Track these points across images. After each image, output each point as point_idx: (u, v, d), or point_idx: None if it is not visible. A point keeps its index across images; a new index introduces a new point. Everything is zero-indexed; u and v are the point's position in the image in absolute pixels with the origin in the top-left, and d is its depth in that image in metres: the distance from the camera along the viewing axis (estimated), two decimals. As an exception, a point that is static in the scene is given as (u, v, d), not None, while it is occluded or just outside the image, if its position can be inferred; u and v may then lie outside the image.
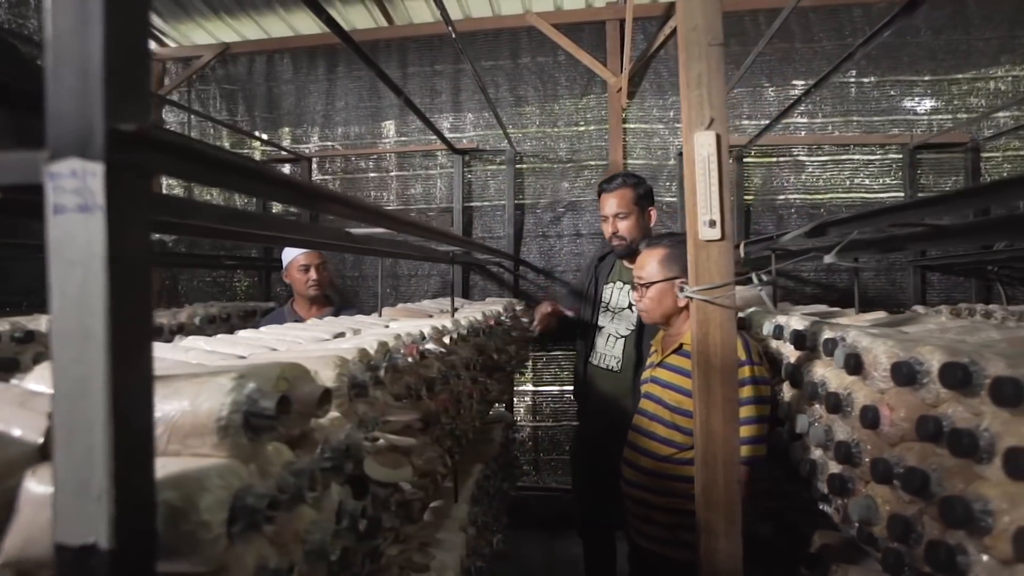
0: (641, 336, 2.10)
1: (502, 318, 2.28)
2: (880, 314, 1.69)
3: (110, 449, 0.43)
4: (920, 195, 3.16)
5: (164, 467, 0.50)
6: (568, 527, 3.23)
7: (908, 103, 3.23)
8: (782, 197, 3.30)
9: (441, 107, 3.57)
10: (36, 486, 0.49)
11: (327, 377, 0.80)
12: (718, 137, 1.14)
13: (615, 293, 2.24)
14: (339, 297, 3.49)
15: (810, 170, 3.30)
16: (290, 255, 2.25)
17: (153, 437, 0.46)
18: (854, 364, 1.03)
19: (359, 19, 3.52)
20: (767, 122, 2.77)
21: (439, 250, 1.91)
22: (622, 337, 2.18)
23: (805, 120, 3.31)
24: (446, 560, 1.53)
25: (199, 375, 0.57)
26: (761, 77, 3.33)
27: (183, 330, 2.19)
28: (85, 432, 0.43)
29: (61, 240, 0.43)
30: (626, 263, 2.21)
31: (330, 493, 0.73)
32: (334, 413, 0.80)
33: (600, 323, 2.27)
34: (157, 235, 2.51)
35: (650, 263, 1.59)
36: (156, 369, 0.46)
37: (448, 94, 3.57)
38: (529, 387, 3.49)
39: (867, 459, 1.00)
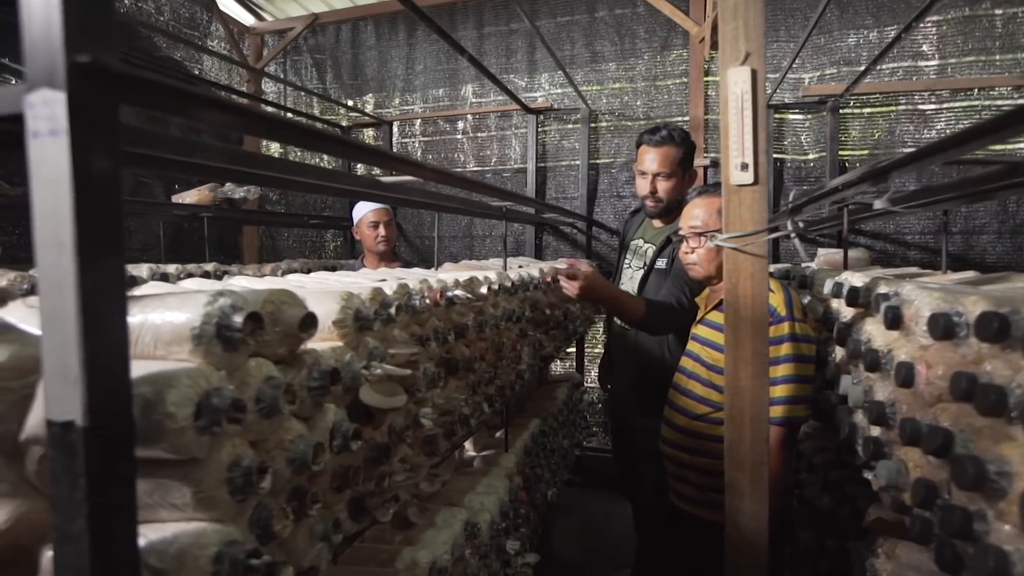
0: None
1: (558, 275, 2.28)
2: (970, 274, 1.51)
3: (81, 340, 0.50)
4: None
5: (146, 367, 0.58)
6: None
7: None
8: (894, 152, 2.96)
9: (517, 67, 3.55)
10: (48, 377, 0.59)
11: (331, 309, 0.86)
12: (754, 73, 1.06)
13: (638, 249, 2.15)
14: (416, 256, 3.64)
15: (931, 121, 2.91)
16: (360, 212, 2.37)
17: (125, 334, 0.52)
18: (893, 318, 0.94)
19: (436, -19, 3.55)
20: (876, 69, 2.48)
21: (492, 205, 1.93)
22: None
23: (931, 63, 2.89)
24: (486, 502, 1.60)
25: (187, 292, 0.64)
26: (867, 16, 2.97)
27: (268, 282, 2.40)
28: (62, 326, 0.50)
29: (38, 161, 0.50)
30: (656, 222, 2.09)
31: (325, 413, 0.79)
32: (336, 342, 0.86)
33: (622, 279, 2.20)
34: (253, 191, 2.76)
35: (707, 212, 1.49)
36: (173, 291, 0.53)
37: (524, 53, 3.54)
38: (601, 350, 3.47)
39: (900, 420, 0.91)
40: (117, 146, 0.53)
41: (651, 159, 1.98)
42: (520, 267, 2.14)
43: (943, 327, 0.81)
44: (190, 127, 2.84)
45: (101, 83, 0.51)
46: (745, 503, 1.13)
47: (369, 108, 3.79)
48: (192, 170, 0.81)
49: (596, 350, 3.50)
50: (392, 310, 0.98)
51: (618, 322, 2.21)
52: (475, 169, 3.64)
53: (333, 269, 2.93)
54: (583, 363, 3.44)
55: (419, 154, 3.74)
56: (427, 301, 1.12)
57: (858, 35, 2.99)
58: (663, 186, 1.99)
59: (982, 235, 2.86)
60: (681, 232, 1.53)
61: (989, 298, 0.79)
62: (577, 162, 3.42)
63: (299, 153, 3.54)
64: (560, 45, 3.41)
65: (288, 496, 0.73)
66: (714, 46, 3.17)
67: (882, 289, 1.14)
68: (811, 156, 3.07)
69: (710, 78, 3.19)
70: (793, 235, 1.03)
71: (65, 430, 0.51)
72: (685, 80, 3.26)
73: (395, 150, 3.78)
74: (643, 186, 2.03)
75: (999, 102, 2.82)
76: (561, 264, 1.85)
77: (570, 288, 1.79)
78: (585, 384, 3.40)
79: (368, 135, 3.87)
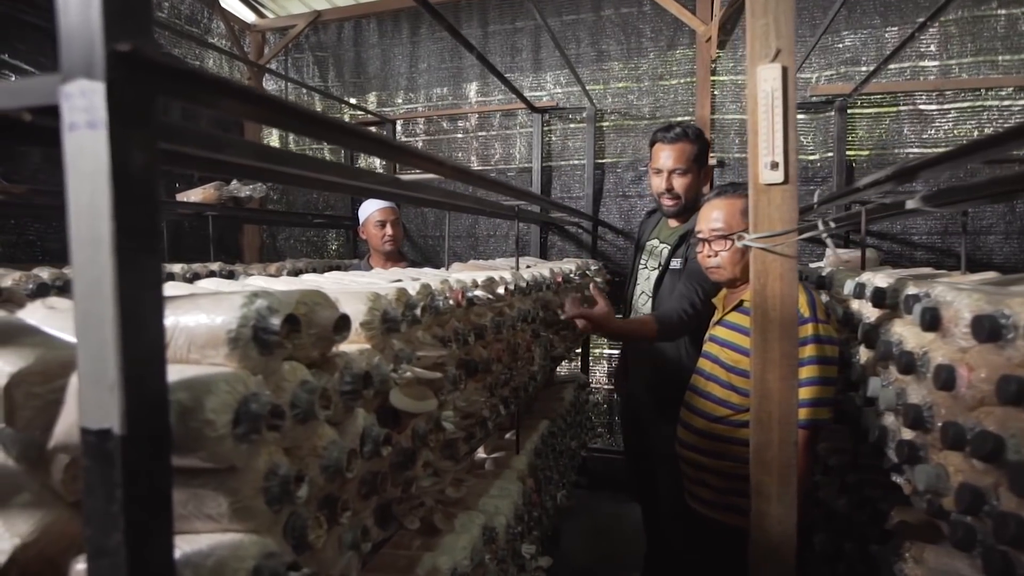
0: (655, 298, 2.02)
1: (571, 275, 2.26)
2: (990, 274, 1.50)
3: (119, 344, 0.47)
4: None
5: (181, 372, 0.55)
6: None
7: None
8: (899, 152, 2.95)
9: (522, 65, 3.52)
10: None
11: (358, 311, 0.83)
12: (784, 70, 1.04)
13: (654, 250, 2.14)
14: (420, 256, 3.61)
15: (936, 121, 2.91)
16: (367, 211, 2.35)
17: (163, 337, 0.50)
18: (930, 319, 0.92)
19: (441, -21, 3.52)
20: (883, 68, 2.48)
21: (505, 204, 1.91)
22: (650, 297, 2.10)
23: (936, 63, 2.90)
24: (500, 505, 1.58)
25: (220, 293, 0.61)
26: (874, 16, 2.97)
27: (273, 282, 2.38)
28: (98, 328, 0.47)
29: (75, 154, 0.47)
30: (671, 221, 2.08)
31: (356, 418, 0.77)
32: (364, 345, 0.84)
33: (638, 280, 2.19)
34: (248, 187, 2.73)
35: (729, 214, 1.46)
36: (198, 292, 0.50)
37: (529, 52, 3.52)
38: (606, 351, 3.46)
39: (939, 424, 0.90)
40: (155, 139, 0.51)
41: (666, 156, 1.97)
42: (528, 267, 2.12)
43: (988, 329, 0.79)
44: (188, 115, 2.80)
45: (141, 73, 0.49)
46: (773, 507, 1.11)
47: (372, 106, 3.75)
48: (210, 166, 0.78)
49: (599, 351, 3.48)
50: (418, 311, 0.95)
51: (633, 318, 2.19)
52: (479, 168, 3.62)
53: (338, 269, 2.90)
54: (588, 363, 3.42)
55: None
56: (450, 302, 1.10)
57: (864, 35, 2.98)
58: (679, 182, 1.97)
59: (989, 235, 2.85)
60: (701, 235, 1.50)
61: (1037, 300, 0.77)
62: (582, 161, 3.40)
63: (299, 144, 3.51)
64: (565, 44, 3.39)
65: (319, 504, 0.71)
66: (721, 45, 3.16)
67: (911, 290, 1.12)
68: (815, 156, 3.06)
69: (716, 77, 3.18)
70: (826, 235, 1.01)
71: (101, 438, 0.48)
72: (691, 79, 3.24)
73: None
74: (658, 184, 2.01)
75: (1005, 103, 2.81)
76: (569, 306, 1.85)
77: (578, 324, 1.83)
78: (591, 385, 3.38)
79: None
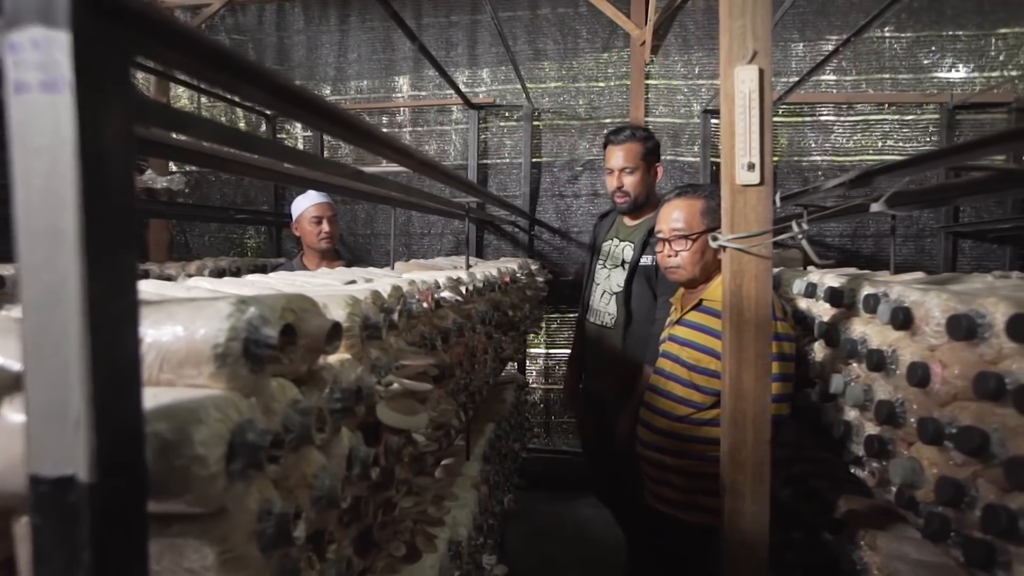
0: (629, 294, 2.05)
1: (517, 275, 2.23)
2: (918, 274, 1.61)
3: (88, 366, 0.37)
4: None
5: (156, 397, 0.45)
6: (576, 489, 3.24)
7: (948, 59, 3.05)
8: (808, 159, 3.17)
9: (457, 61, 3.44)
10: (13, 414, 0.44)
11: (337, 316, 0.74)
12: (761, 72, 1.05)
13: (612, 249, 2.18)
14: (350, 254, 3.44)
15: (840, 131, 3.16)
16: (301, 206, 2.19)
17: (139, 355, 0.40)
18: (903, 318, 0.96)
19: (372, -35, 3.37)
20: (796, 79, 2.63)
21: (455, 201, 1.84)
22: (615, 294, 2.13)
23: (835, 77, 3.15)
24: (458, 516, 1.51)
25: (196, 299, 0.51)
26: (792, 31, 3.15)
27: (193, 283, 2.15)
28: (58, 347, 0.37)
29: (23, 124, 0.37)
30: (626, 220, 2.15)
31: (341, 438, 0.68)
32: (344, 355, 0.75)
33: (596, 280, 2.22)
34: (163, 177, 2.46)
35: (689, 214, 1.46)
36: (150, 297, 0.40)
37: (464, 47, 3.44)
38: (541, 349, 3.45)
39: (912, 419, 0.93)
40: (132, 107, 0.41)
41: (616, 156, 2.05)
42: (471, 267, 2.06)
43: (965, 328, 0.83)
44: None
45: (115, 24, 0.39)
46: (747, 505, 1.12)
47: (296, 96, 3.52)
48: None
49: (534, 350, 3.46)
50: (395, 315, 0.87)
51: (594, 321, 2.20)
52: (385, 170, 3.50)
53: (264, 268, 2.69)
54: (525, 363, 3.40)
55: (351, 147, 3.54)
56: (424, 304, 1.02)
57: (783, 47, 3.16)
58: (628, 180, 2.05)
59: (890, 239, 3.11)
60: (661, 235, 1.51)
61: (1009, 300, 0.81)
62: (519, 160, 3.37)
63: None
64: (501, 41, 3.34)
65: (306, 540, 0.61)
66: (653, 50, 3.23)
67: (869, 290, 1.17)
68: (743, 161, 3.20)
69: (651, 81, 3.25)
70: (801, 237, 1.03)
71: (60, 488, 0.38)
72: (626, 82, 3.30)
73: (325, 143, 3.55)
74: (611, 182, 2.09)
75: (894, 116, 3.09)
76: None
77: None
78: (528, 385, 3.37)
79: (296, 126, 3.61)
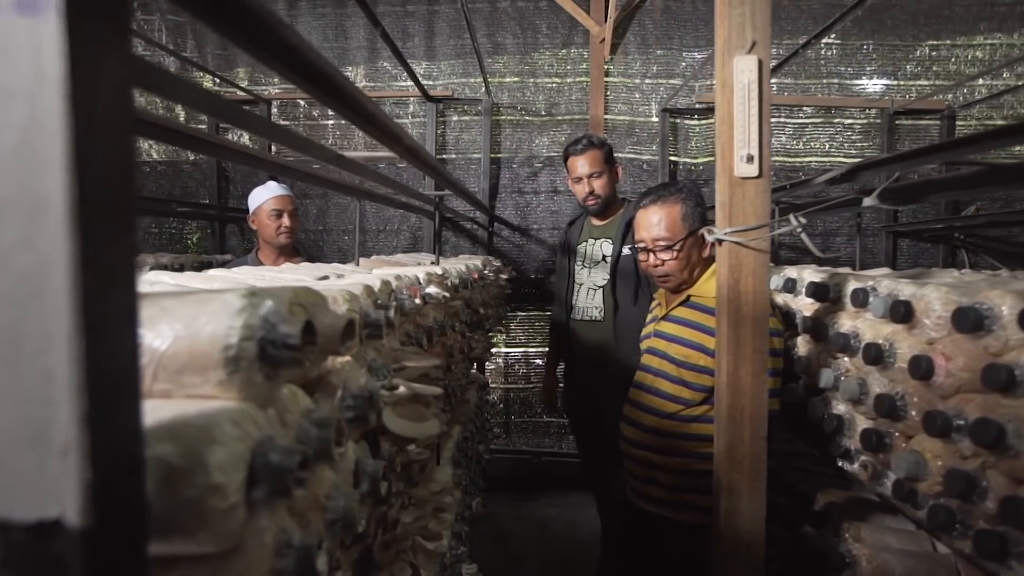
0: (615, 284, 2.11)
1: (485, 272, 2.17)
2: (885, 270, 1.65)
3: (81, 376, 0.29)
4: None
5: (154, 412, 0.36)
6: (537, 489, 3.21)
7: (889, 67, 3.21)
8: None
9: (413, 52, 3.33)
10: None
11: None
12: (760, 62, 1.03)
13: (589, 249, 2.25)
14: (302, 250, 3.28)
15: (789, 132, 3.26)
16: (260, 198, 2.04)
17: (140, 362, 0.32)
18: (903, 312, 0.96)
19: (323, -52, 3.22)
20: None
21: (424, 195, 1.75)
22: (599, 288, 2.19)
23: (777, 80, 3.24)
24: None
25: (194, 292, 0.42)
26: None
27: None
28: (39, 352, 0.29)
29: (-11, 58, 0.28)
30: (594, 221, 2.24)
31: (347, 451, 0.60)
32: (346, 356, 0.67)
33: (578, 280, 2.27)
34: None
35: (670, 222, 1.42)
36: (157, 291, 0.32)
37: (422, 38, 3.34)
38: (501, 349, 3.40)
39: (914, 412, 0.93)
40: (129, 45, 0.33)
41: (582, 164, 2.13)
42: (432, 263, 1.98)
43: (972, 321, 0.83)
44: None
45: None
46: (743, 503, 1.10)
47: (243, 84, 3.32)
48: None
49: (494, 349, 3.41)
50: (391, 313, 0.79)
51: (581, 318, 2.20)
52: (368, 156, 3.36)
53: (209, 265, 2.50)
54: (484, 363, 3.33)
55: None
56: (416, 301, 0.94)
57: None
58: (597, 184, 2.14)
59: (836, 237, 3.25)
60: (643, 244, 1.47)
61: (1014, 293, 0.82)
62: (478, 155, 3.30)
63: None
64: (460, 33, 3.26)
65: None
66: (612, 48, 3.23)
67: (855, 285, 1.18)
68: (700, 160, 3.26)
69: (610, 79, 3.25)
70: (800, 230, 1.02)
71: (41, 536, 0.30)
72: (585, 79, 3.28)
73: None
74: (581, 190, 2.17)
75: (840, 120, 3.23)
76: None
77: None
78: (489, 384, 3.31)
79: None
